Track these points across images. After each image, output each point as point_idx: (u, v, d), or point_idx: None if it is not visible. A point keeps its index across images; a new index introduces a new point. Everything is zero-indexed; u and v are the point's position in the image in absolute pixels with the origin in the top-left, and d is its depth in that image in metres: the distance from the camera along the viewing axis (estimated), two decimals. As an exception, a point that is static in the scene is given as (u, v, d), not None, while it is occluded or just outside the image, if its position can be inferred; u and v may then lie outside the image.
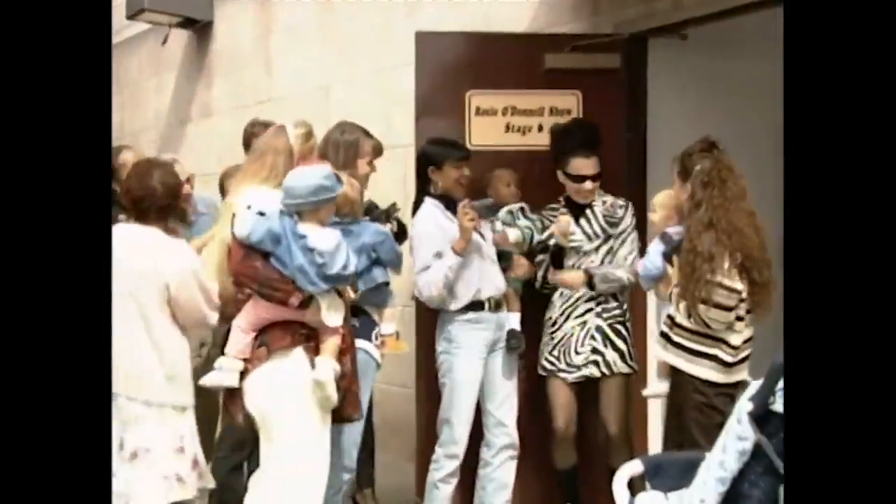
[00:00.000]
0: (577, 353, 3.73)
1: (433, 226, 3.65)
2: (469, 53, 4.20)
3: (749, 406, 1.84)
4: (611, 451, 3.74)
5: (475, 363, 3.69)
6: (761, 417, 1.83)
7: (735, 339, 3.16)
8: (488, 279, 3.70)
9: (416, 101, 4.16)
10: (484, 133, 4.13)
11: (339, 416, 3.07)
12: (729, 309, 3.09)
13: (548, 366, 3.77)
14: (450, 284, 3.59)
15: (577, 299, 3.75)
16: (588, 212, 3.82)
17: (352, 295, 3.17)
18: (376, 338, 3.39)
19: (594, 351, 3.74)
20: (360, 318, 3.34)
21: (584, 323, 3.73)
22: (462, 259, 3.58)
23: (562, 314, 3.77)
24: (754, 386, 1.86)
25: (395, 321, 3.51)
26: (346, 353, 3.04)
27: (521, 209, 3.90)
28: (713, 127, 4.32)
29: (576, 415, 3.80)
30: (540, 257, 3.86)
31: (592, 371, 3.73)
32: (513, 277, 3.82)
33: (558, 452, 3.84)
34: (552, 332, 3.78)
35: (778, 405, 1.82)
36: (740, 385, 3.15)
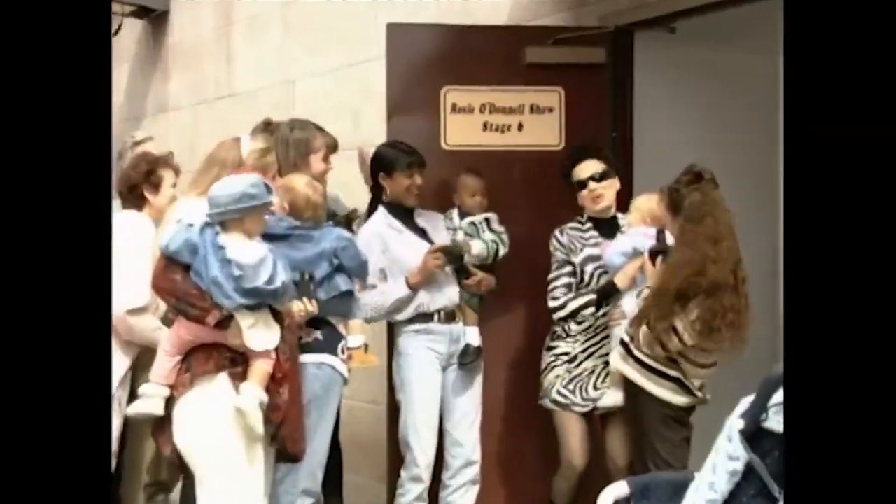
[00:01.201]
0: (595, 388, 3.61)
1: (375, 238, 3.62)
2: (444, 47, 4.19)
3: (740, 424, 1.84)
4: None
5: (430, 378, 3.67)
6: (753, 435, 1.83)
7: (700, 362, 3.20)
8: (438, 290, 3.69)
9: (388, 97, 4.14)
10: (460, 132, 4.12)
11: (279, 455, 2.99)
12: (667, 350, 3.15)
13: (561, 399, 3.63)
14: (394, 312, 3.60)
15: (604, 337, 3.61)
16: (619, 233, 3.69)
17: (311, 308, 3.12)
18: (342, 351, 3.36)
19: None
20: (324, 330, 3.31)
21: (607, 361, 3.58)
22: (413, 294, 3.59)
23: (584, 351, 3.64)
24: (745, 402, 1.86)
25: (363, 333, 3.48)
26: (283, 381, 2.91)
27: (487, 220, 3.87)
28: (703, 125, 4.38)
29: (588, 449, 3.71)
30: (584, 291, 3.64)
31: (607, 402, 3.62)
32: (471, 292, 3.79)
33: (564, 487, 3.72)
34: (570, 368, 3.64)
35: (771, 422, 1.83)
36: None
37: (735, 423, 1.86)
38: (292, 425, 2.97)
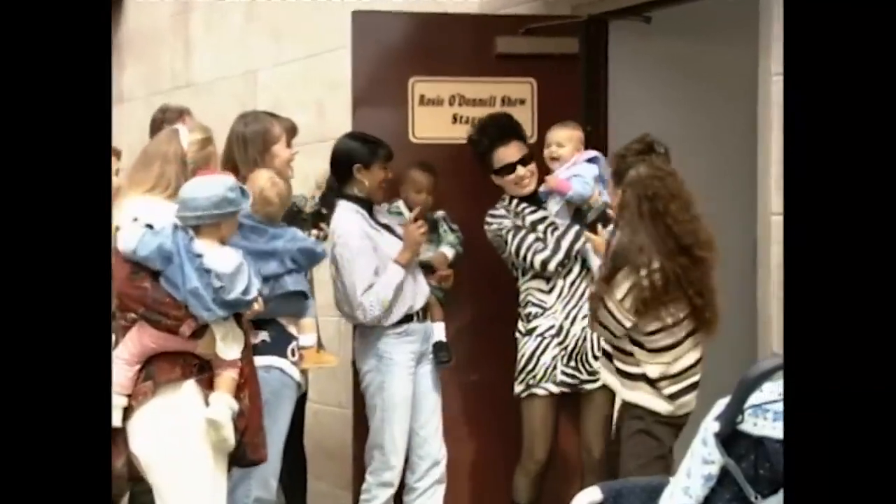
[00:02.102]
0: (595, 357, 3.61)
1: (365, 237, 3.63)
2: (412, 36, 4.20)
3: (715, 426, 1.86)
4: (589, 479, 3.72)
5: (407, 379, 3.70)
6: (728, 439, 1.85)
7: (675, 366, 3.14)
8: (419, 288, 3.73)
9: (353, 88, 4.14)
10: (428, 125, 4.13)
11: (240, 460, 2.96)
12: (615, 335, 3.14)
13: (569, 381, 3.63)
14: (394, 301, 3.61)
15: (580, 297, 3.65)
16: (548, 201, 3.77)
17: (258, 307, 3.09)
18: (293, 353, 3.35)
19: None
20: (272, 331, 3.30)
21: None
22: (406, 272, 3.60)
23: (567, 317, 3.66)
24: (721, 404, 1.88)
25: (314, 331, 3.46)
26: (244, 387, 2.91)
27: (444, 219, 3.91)
28: (680, 118, 4.41)
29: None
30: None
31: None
32: (437, 286, 3.84)
33: (524, 483, 3.74)
34: (562, 342, 3.64)
35: (746, 425, 1.85)
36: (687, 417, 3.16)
37: (710, 425, 1.87)
38: (253, 431, 2.96)
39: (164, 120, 3.99)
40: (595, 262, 3.57)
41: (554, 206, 3.74)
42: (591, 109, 4.25)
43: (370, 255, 3.60)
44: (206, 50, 6.06)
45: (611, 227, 3.36)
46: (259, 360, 3.23)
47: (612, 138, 4.27)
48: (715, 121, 4.46)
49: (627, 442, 3.18)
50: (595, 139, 4.19)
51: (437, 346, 3.78)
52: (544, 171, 3.79)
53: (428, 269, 3.84)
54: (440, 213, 3.93)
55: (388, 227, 3.74)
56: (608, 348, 3.30)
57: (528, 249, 3.64)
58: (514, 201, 3.77)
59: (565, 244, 3.63)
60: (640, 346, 3.15)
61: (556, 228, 3.67)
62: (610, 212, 3.39)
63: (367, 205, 3.72)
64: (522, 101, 4.15)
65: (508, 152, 3.72)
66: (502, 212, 3.76)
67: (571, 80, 4.18)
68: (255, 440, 2.96)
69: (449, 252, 3.87)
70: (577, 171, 3.68)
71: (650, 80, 4.41)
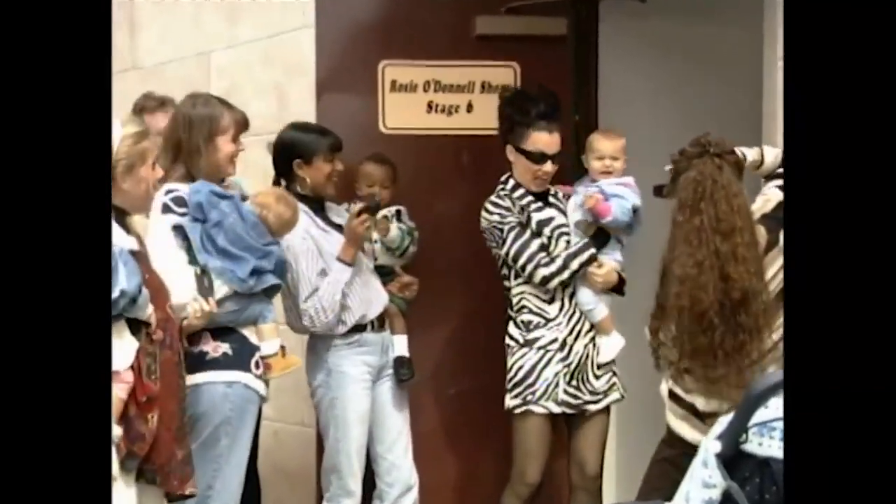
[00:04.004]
0: (596, 377, 3.66)
1: (310, 239, 3.59)
2: (383, 14, 4.20)
3: (717, 446, 1.85)
4: (581, 497, 3.74)
5: (364, 396, 3.67)
6: (731, 460, 1.85)
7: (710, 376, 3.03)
8: (375, 294, 3.70)
9: (318, 72, 4.14)
10: (401, 113, 4.13)
11: (167, 496, 2.86)
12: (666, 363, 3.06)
13: (572, 401, 3.63)
14: (342, 304, 3.58)
15: (582, 312, 3.67)
16: (553, 200, 3.74)
17: (209, 308, 3.04)
18: (257, 365, 3.33)
19: (614, 373, 3.73)
20: (233, 341, 3.27)
21: (593, 341, 3.67)
22: (353, 269, 3.57)
23: (571, 332, 3.65)
24: (723, 422, 1.88)
25: (276, 335, 3.43)
26: (151, 406, 2.74)
27: (398, 213, 3.87)
28: (678, 107, 4.42)
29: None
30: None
31: (615, 396, 3.72)
32: (399, 295, 3.81)
33: None
34: (565, 359, 3.64)
35: (751, 444, 1.85)
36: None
37: (711, 445, 1.87)
38: (165, 458, 2.81)
39: (143, 108, 3.97)
40: (583, 297, 3.61)
41: (575, 214, 3.68)
42: (580, 96, 4.26)
43: (314, 257, 3.56)
44: (154, 30, 6.01)
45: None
46: (221, 375, 3.21)
47: (604, 127, 4.27)
48: (716, 110, 4.46)
49: (652, 467, 3.16)
50: (584, 129, 4.20)
51: (398, 362, 3.75)
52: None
53: (387, 275, 3.81)
54: (393, 209, 3.87)
55: (341, 228, 3.71)
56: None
57: (529, 259, 3.61)
58: (520, 191, 3.70)
59: (574, 265, 3.59)
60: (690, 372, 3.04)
61: (563, 235, 3.63)
62: None
63: (316, 202, 3.69)
64: (504, 88, 4.15)
65: (551, 140, 3.66)
66: (507, 203, 3.68)
67: (558, 64, 4.19)
68: (168, 468, 2.83)
69: (393, 229, 3.78)
70: (619, 191, 3.60)
71: (645, 65, 4.42)
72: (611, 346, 3.67)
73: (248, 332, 3.33)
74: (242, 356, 3.29)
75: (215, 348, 3.24)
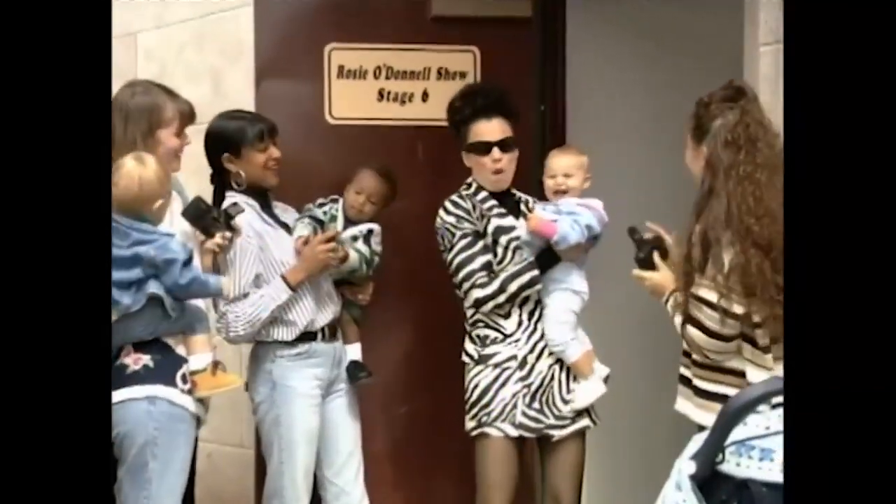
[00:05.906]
0: (564, 401, 3.63)
1: (254, 235, 3.54)
2: (330, -7, 4.19)
3: (691, 467, 1.87)
4: None
5: (313, 413, 3.64)
6: (707, 482, 1.87)
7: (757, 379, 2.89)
8: (325, 302, 3.68)
9: (257, 56, 4.13)
10: (349, 102, 4.13)
11: None
12: (718, 336, 2.90)
13: (531, 424, 3.60)
14: (268, 326, 3.56)
15: (542, 330, 3.64)
16: (524, 209, 3.72)
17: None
18: (184, 379, 3.29)
19: None
20: (155, 352, 3.23)
21: (560, 360, 3.63)
22: (294, 296, 3.55)
23: (532, 350, 3.63)
24: (697, 440, 1.90)
25: (208, 349, 3.38)
26: None
27: (369, 232, 3.80)
28: (652, 96, 4.46)
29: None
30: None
31: (587, 422, 3.68)
32: (351, 299, 3.80)
33: None
34: (524, 378, 3.61)
35: (728, 465, 1.87)
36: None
37: (685, 466, 1.88)
38: None
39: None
40: (551, 333, 3.60)
41: (524, 234, 3.65)
42: (545, 85, 4.27)
43: (252, 259, 3.52)
44: (75, 7, 5.97)
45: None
46: (141, 390, 3.17)
47: (572, 120, 4.30)
48: (691, 98, 4.49)
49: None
50: (551, 120, 4.22)
51: (353, 365, 3.74)
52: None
53: (352, 281, 3.79)
54: (365, 229, 3.80)
55: (286, 226, 3.69)
56: (687, 371, 3.15)
57: (467, 276, 3.59)
58: (483, 194, 3.69)
59: (513, 288, 3.56)
60: (754, 342, 2.92)
61: (519, 249, 3.60)
62: (667, 241, 3.23)
63: (259, 196, 3.66)
64: (463, 75, 4.17)
65: (490, 128, 3.64)
66: (467, 205, 3.67)
67: (522, 49, 4.21)
68: None
69: (352, 255, 3.71)
70: (575, 210, 3.59)
71: (616, 51, 4.45)
72: (588, 392, 3.63)
73: (175, 342, 3.29)
74: (164, 369, 3.24)
75: (136, 360, 3.19)
